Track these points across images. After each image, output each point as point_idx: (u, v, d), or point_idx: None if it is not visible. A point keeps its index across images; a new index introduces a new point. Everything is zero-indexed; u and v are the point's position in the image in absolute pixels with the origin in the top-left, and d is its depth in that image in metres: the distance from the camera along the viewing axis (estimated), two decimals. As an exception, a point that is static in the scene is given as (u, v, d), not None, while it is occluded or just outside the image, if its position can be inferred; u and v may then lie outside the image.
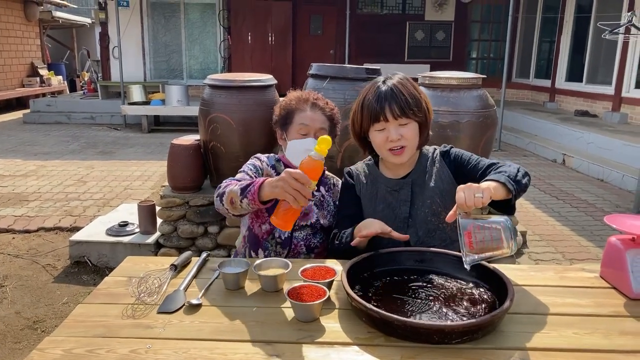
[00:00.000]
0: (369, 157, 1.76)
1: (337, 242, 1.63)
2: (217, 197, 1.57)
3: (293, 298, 1.20)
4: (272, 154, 1.91)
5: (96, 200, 4.77)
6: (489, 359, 1.05)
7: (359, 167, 1.75)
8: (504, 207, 1.42)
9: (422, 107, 1.57)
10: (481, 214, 1.36)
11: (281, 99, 3.44)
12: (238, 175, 1.70)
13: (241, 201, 1.44)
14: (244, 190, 1.44)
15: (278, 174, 1.80)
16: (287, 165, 1.84)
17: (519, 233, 3.60)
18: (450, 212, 1.29)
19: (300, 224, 1.80)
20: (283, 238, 1.78)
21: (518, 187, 1.38)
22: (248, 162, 1.83)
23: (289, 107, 1.85)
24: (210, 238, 3.31)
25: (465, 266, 1.25)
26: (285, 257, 1.72)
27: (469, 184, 1.30)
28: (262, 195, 1.39)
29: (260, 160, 1.84)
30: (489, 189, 1.29)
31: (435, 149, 1.70)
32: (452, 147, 1.69)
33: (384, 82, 1.57)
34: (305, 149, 1.75)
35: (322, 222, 1.81)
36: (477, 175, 1.55)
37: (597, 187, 5.54)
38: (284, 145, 1.86)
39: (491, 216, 1.28)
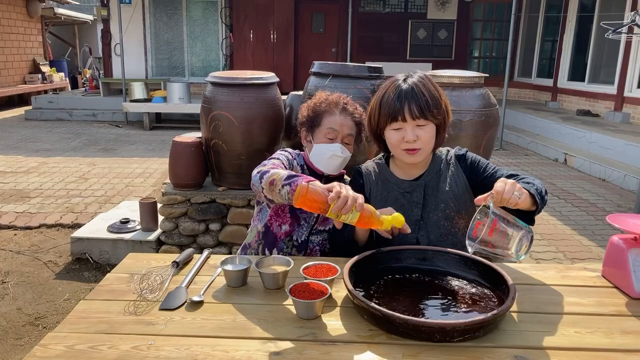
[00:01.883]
0: (379, 156, 1.72)
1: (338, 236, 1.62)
2: (257, 172, 1.52)
3: (295, 295, 1.20)
4: (298, 151, 1.86)
5: (98, 197, 4.78)
6: (490, 358, 1.05)
7: (369, 166, 1.70)
8: (524, 218, 1.41)
9: (442, 109, 1.52)
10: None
11: (287, 93, 3.45)
12: (273, 161, 1.65)
13: (282, 187, 1.40)
14: (289, 177, 1.40)
15: (304, 173, 1.79)
16: (309, 166, 1.82)
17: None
18: (482, 197, 1.26)
19: (318, 228, 1.80)
20: (300, 241, 1.78)
21: (542, 202, 1.38)
22: (279, 152, 1.78)
23: (318, 109, 1.79)
24: (212, 235, 3.31)
25: (469, 249, 1.23)
26: None
27: (513, 180, 1.29)
28: None
29: (291, 155, 1.80)
30: (527, 194, 1.28)
31: (448, 151, 1.65)
32: (467, 151, 1.64)
33: (404, 79, 1.52)
34: (332, 154, 1.73)
35: None
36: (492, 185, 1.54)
37: (599, 187, 5.54)
38: (309, 147, 1.82)
39: (517, 220, 1.28)
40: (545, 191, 1.43)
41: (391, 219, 1.30)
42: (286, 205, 1.77)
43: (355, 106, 1.83)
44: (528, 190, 1.33)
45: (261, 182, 1.48)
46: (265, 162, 1.62)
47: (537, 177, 5.83)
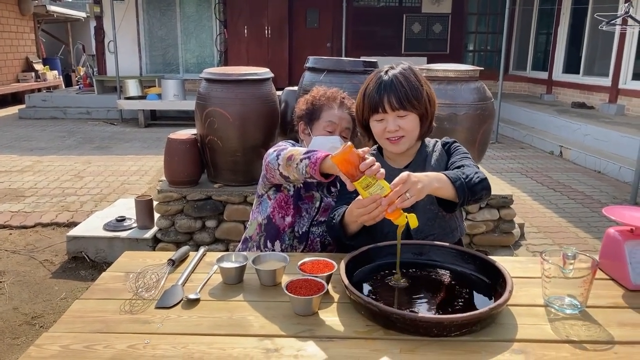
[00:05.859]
0: (373, 147, 1.75)
1: (333, 222, 1.62)
2: (274, 151, 1.60)
3: (291, 292, 1.20)
4: (300, 144, 1.88)
5: (93, 195, 4.76)
6: (488, 352, 1.05)
7: None
8: (447, 204, 1.45)
9: (423, 99, 1.55)
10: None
11: (282, 89, 3.44)
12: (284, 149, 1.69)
13: (300, 160, 1.46)
14: (308, 152, 1.47)
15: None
16: None
17: (516, 225, 3.61)
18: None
19: (319, 219, 1.81)
20: (301, 233, 1.80)
21: (466, 193, 1.39)
22: (282, 142, 1.80)
23: (318, 102, 1.84)
24: (208, 232, 3.30)
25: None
26: (301, 252, 1.75)
27: (415, 179, 1.29)
28: (325, 165, 1.39)
29: (294, 145, 1.80)
30: (424, 189, 1.30)
31: (437, 142, 1.70)
32: (455, 142, 1.69)
33: (386, 72, 1.56)
34: (331, 146, 1.75)
35: None
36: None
37: (594, 179, 5.55)
38: (307, 140, 1.85)
39: None
40: (479, 182, 1.43)
41: (408, 217, 1.29)
42: (290, 197, 1.79)
43: (351, 101, 1.88)
44: (452, 182, 1.38)
45: (278, 159, 1.56)
46: (280, 143, 1.70)
47: (533, 170, 5.86)
